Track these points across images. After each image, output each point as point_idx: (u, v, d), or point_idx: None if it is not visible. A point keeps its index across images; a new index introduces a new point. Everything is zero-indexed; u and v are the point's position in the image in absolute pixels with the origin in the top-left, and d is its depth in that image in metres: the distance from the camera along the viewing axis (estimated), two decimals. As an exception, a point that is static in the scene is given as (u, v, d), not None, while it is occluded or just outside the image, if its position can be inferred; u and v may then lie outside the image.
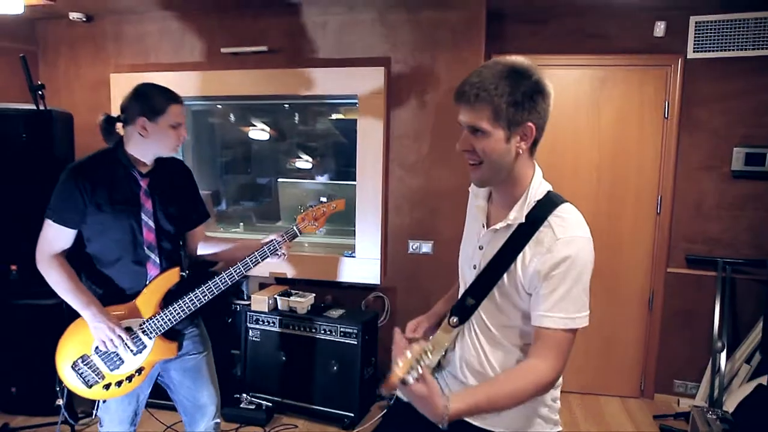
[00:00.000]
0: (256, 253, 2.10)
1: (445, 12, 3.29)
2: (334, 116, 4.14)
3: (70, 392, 2.12)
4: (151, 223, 2.05)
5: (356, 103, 3.46)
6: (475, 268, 1.45)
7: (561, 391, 1.51)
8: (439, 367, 1.56)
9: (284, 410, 3.35)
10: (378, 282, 3.50)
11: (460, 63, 3.30)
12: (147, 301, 2.04)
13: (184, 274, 2.10)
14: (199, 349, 2.22)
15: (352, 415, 3.17)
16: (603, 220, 3.54)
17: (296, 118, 4.23)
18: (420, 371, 1.15)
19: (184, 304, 2.04)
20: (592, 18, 3.39)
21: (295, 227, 2.19)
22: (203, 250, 2.31)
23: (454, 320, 1.47)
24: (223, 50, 3.60)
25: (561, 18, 3.44)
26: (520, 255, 1.33)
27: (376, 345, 3.43)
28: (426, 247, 3.47)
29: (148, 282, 2.05)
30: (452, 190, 3.36)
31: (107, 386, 2.05)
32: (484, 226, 1.46)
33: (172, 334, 2.11)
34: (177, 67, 3.71)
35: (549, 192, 1.38)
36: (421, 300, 3.46)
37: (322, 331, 3.24)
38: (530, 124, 1.30)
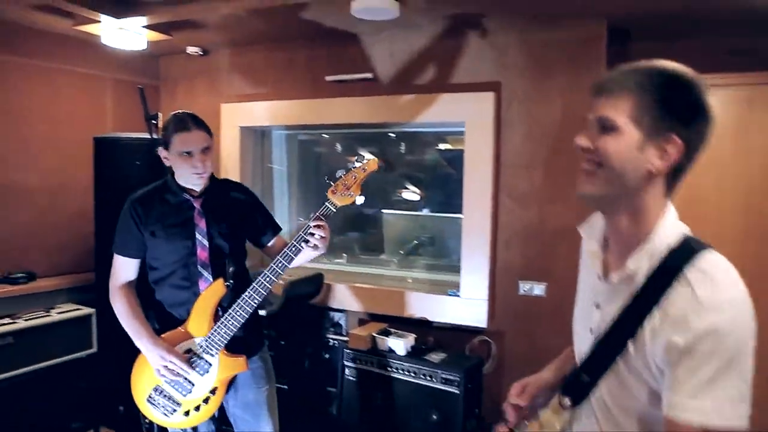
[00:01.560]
0: (293, 241, 1.99)
1: (560, 32, 3.01)
2: (442, 146, 3.98)
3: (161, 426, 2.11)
4: (205, 242, 2.06)
5: (463, 132, 3.27)
6: (591, 332, 1.16)
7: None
8: None
9: (378, 457, 3.15)
10: (484, 325, 3.22)
11: (577, 87, 3.00)
12: (199, 319, 2.02)
13: (228, 284, 2.05)
14: (261, 384, 2.16)
15: (453, 470, 2.91)
16: (753, 272, 3.03)
17: (403, 147, 4.13)
18: None
19: (236, 312, 1.98)
20: (733, 30, 2.97)
21: (327, 203, 1.99)
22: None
23: (566, 401, 1.18)
24: (327, 78, 3.58)
25: (696, 33, 3.04)
26: (649, 318, 1.01)
27: (480, 395, 3.15)
28: (539, 289, 3.15)
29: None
30: (570, 227, 3.00)
31: (186, 413, 2.03)
32: (600, 278, 1.17)
33: (238, 348, 2.05)
34: (282, 96, 3.75)
35: (686, 236, 1.06)
36: (532, 347, 3.16)
37: (422, 376, 3.02)
38: (676, 137, 1.01)
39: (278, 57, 3.77)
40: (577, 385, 1.16)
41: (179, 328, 2.05)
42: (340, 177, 2.00)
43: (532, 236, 3.16)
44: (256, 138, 4.08)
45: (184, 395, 2.03)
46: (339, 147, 4.34)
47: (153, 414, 2.06)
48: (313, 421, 3.20)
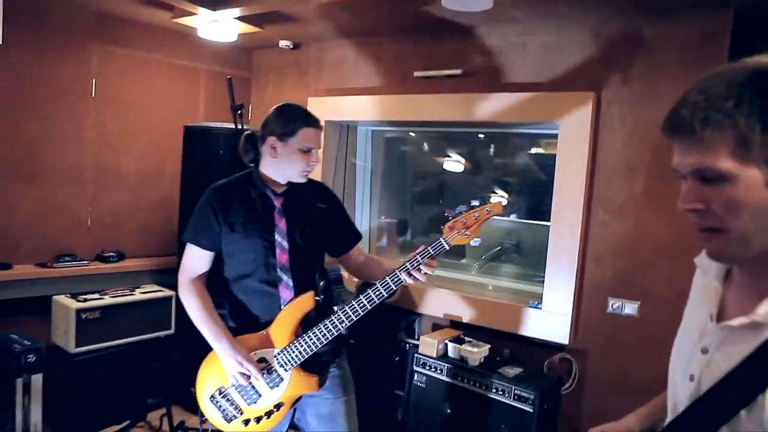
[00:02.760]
0: (398, 270, 1.84)
1: (676, 25, 2.73)
2: (534, 150, 3.79)
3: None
4: (285, 244, 1.95)
5: (554, 135, 3.07)
6: (692, 379, 0.95)
7: None
8: None
9: (442, 470, 3.02)
10: (566, 342, 3.00)
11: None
12: (281, 329, 1.92)
13: (318, 299, 1.95)
14: (338, 394, 2.04)
15: (520, 494, 2.72)
16: None
17: (492, 150, 3.98)
18: None
19: (320, 332, 1.88)
20: None
21: (442, 239, 1.83)
22: (362, 270, 2.20)
23: None
24: (416, 74, 3.50)
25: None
26: None
27: (556, 417, 2.94)
28: (630, 308, 2.89)
29: (282, 306, 1.94)
30: (670, 242, 2.76)
31: (246, 422, 1.96)
32: (712, 319, 0.95)
33: (313, 367, 1.95)
34: (370, 91, 3.71)
35: None
36: (618, 370, 2.90)
37: (494, 390, 2.85)
38: None
39: (367, 52, 3.74)
40: None
41: (260, 332, 1.96)
42: (460, 213, 1.86)
43: (626, 250, 2.91)
44: (342, 133, 4.07)
45: (249, 404, 1.96)
46: (426, 146, 4.26)
47: (212, 415, 2.01)
48: (378, 424, 3.13)
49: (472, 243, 1.88)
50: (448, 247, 1.84)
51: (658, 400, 1.24)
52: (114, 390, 3.35)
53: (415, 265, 1.83)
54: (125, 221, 3.79)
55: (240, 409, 1.97)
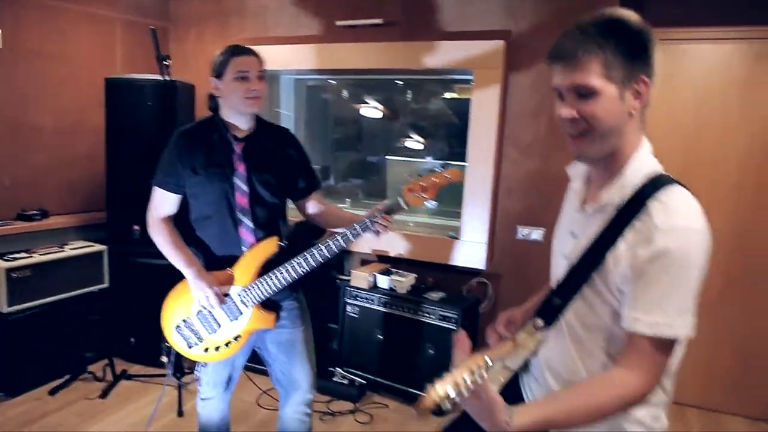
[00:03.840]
0: (356, 225, 1.97)
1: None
2: (448, 95, 3.99)
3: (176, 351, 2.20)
4: (245, 188, 2.03)
5: (471, 80, 3.29)
6: (566, 258, 1.25)
7: (678, 403, 1.28)
8: (525, 368, 1.39)
9: (376, 388, 3.31)
10: (482, 267, 3.33)
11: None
12: (245, 269, 2.03)
13: (282, 244, 2.06)
14: (297, 324, 2.19)
15: (446, 402, 3.06)
16: (747, 216, 3.10)
17: (409, 96, 4.14)
18: (470, 387, 1.00)
19: (281, 274, 2.00)
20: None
21: (400, 199, 1.97)
22: (318, 217, 2.28)
23: (539, 323, 1.29)
24: (338, 23, 3.57)
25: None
26: (615, 245, 1.11)
27: (476, 332, 3.28)
28: (536, 235, 3.24)
29: (243, 248, 2.04)
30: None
31: (206, 349, 2.09)
32: (578, 210, 1.26)
33: (271, 305, 2.09)
34: (293, 41, 3.74)
35: (657, 173, 1.15)
36: (527, 289, 3.20)
37: (421, 313, 3.14)
38: (644, 77, 1.09)
39: (289, 1, 3.75)
40: (549, 308, 1.26)
41: (226, 270, 2.05)
42: (421, 176, 1.96)
43: (533, 184, 3.23)
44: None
45: (209, 333, 2.08)
46: (346, 94, 4.35)
47: (176, 342, 2.12)
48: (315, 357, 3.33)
49: (428, 205, 2.02)
50: (405, 207, 1.98)
51: (548, 285, 1.52)
52: (52, 346, 3.34)
53: (374, 220, 1.96)
54: (46, 178, 3.66)
55: (201, 338, 2.09)
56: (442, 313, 3.08)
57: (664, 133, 3.03)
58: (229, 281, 2.04)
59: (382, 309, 3.27)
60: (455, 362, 1.08)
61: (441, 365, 3.04)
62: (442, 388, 1.00)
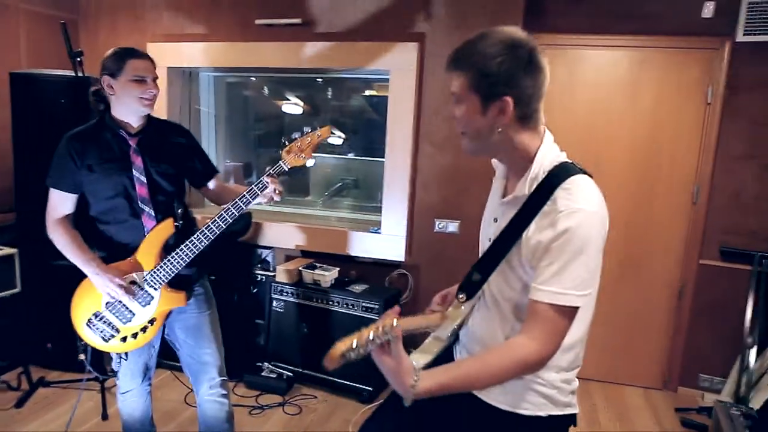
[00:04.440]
0: (245, 193, 2.07)
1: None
2: (367, 92, 4.08)
3: (95, 349, 2.18)
4: (143, 179, 2.09)
5: (388, 79, 3.39)
6: (489, 240, 1.39)
7: (581, 378, 1.45)
8: (457, 339, 1.54)
9: (304, 381, 3.36)
10: (402, 259, 3.46)
11: None
12: (146, 253, 2.08)
13: (178, 224, 2.12)
14: (202, 308, 2.25)
15: (371, 389, 3.17)
16: (634, 206, 3.41)
17: (330, 93, 4.19)
18: (373, 341, 1.13)
19: (182, 252, 2.06)
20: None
21: (281, 162, 2.09)
22: (219, 198, 2.37)
23: (462, 297, 1.42)
24: (257, 22, 3.55)
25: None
26: (527, 228, 1.26)
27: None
28: (452, 227, 3.41)
29: (147, 234, 2.10)
30: (481, 171, 3.27)
31: (124, 339, 2.12)
32: (500, 199, 1.42)
33: (179, 285, 2.14)
34: (211, 38, 3.69)
35: (563, 163, 1.29)
36: (446, 279, 3.38)
37: (345, 305, 3.23)
38: (507, 98, 1.22)
39: (205, -3, 3.69)
40: (470, 283, 1.40)
41: (128, 259, 2.08)
42: (295, 139, 2.09)
43: (448, 178, 3.38)
44: (184, 80, 4.00)
45: (124, 323, 2.11)
46: (266, 90, 4.33)
47: (90, 338, 2.12)
48: (242, 352, 3.35)
49: (307, 164, 2.14)
50: (286, 168, 2.09)
51: None
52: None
53: (261, 184, 2.06)
54: (-53, 178, 3.42)
55: (117, 328, 2.11)
56: (365, 305, 3.17)
57: (564, 128, 3.27)
58: (135, 268, 2.08)
59: (307, 303, 3.32)
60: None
61: (366, 355, 3.16)
62: (349, 340, 1.12)
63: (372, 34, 3.37)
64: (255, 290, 3.53)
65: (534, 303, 1.23)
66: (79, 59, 2.74)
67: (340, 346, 1.12)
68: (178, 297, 2.14)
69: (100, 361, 2.99)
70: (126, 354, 2.18)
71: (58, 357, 3.43)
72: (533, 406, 1.36)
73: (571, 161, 1.31)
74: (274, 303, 3.41)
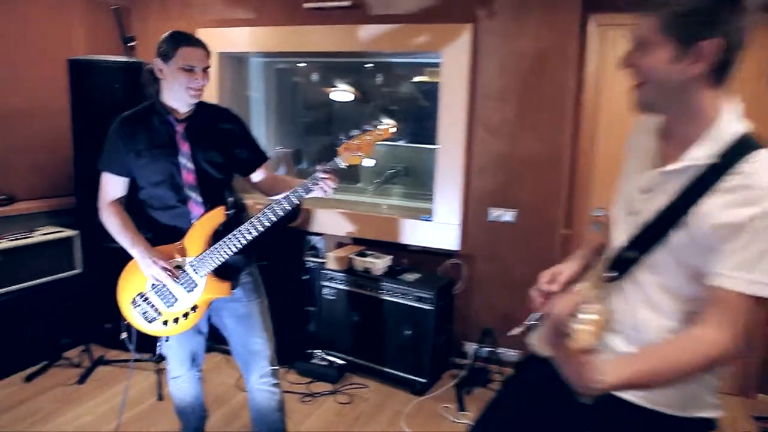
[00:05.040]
0: (298, 187, 1.97)
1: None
2: (418, 78, 3.93)
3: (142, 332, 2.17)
4: (190, 165, 2.04)
5: (440, 64, 3.23)
6: (633, 214, 1.22)
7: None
8: None
9: (355, 370, 3.28)
10: (455, 248, 3.31)
11: (551, 23, 2.97)
12: (194, 240, 2.04)
13: (229, 213, 2.06)
14: (251, 297, 2.19)
15: (424, 380, 3.05)
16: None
17: (379, 79, 4.06)
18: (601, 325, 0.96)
19: (230, 242, 2.00)
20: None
21: (336, 159, 1.96)
22: (267, 188, 2.28)
23: (611, 274, 1.23)
24: (305, 5, 3.45)
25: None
26: (701, 204, 1.08)
27: (451, 312, 3.29)
28: (508, 216, 3.23)
29: (193, 222, 2.05)
30: (538, 158, 3.10)
31: (165, 322, 2.09)
32: (652, 168, 1.22)
33: (225, 274, 2.08)
34: (259, 23, 3.61)
35: (744, 134, 1.11)
36: (500, 269, 3.28)
37: (397, 294, 3.12)
38: (707, 42, 1.04)
39: (256, -19, 3.61)
40: (622, 260, 1.22)
41: (176, 243, 2.05)
42: (354, 135, 1.96)
43: (503, 165, 3.21)
44: (234, 65, 3.95)
45: (167, 306, 2.08)
46: (315, 77, 4.24)
47: (134, 318, 2.11)
48: (292, 339, 3.29)
49: (364, 163, 1.99)
50: (342, 165, 1.97)
51: (591, 246, 1.48)
52: (26, 332, 3.22)
53: (315, 180, 1.95)
54: (12, 163, 3.46)
55: (159, 311, 2.08)
56: (417, 294, 3.06)
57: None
58: (182, 253, 2.05)
59: (358, 291, 3.23)
60: (554, 312, 1.00)
61: (419, 345, 3.07)
62: (587, 335, 0.95)
63: (423, 15, 3.22)
64: (305, 277, 3.47)
65: (720, 291, 1.05)
66: (131, 44, 2.71)
67: (585, 337, 0.94)
68: (223, 287, 2.08)
69: (150, 342, 2.99)
70: (167, 338, 2.17)
71: (117, 337, 3.45)
72: (693, 409, 1.20)
73: (755, 133, 1.12)
74: (325, 290, 3.33)
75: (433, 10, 3.20)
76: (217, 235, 2.04)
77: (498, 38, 3.11)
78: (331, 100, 4.19)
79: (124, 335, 2.78)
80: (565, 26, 2.95)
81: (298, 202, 1.97)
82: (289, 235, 3.53)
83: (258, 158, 2.24)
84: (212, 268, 2.04)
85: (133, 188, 2.11)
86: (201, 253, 2.03)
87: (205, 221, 2.04)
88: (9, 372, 3.17)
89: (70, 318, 3.41)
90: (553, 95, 3.03)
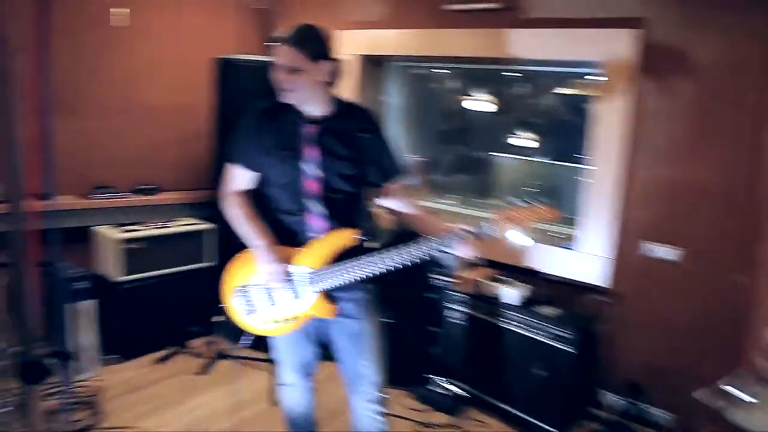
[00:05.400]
0: (434, 242, 1.78)
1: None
2: (565, 90, 3.56)
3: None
4: (315, 173, 1.86)
5: (594, 75, 2.85)
6: None
7: None
8: None
9: (477, 404, 2.98)
10: (603, 283, 2.90)
11: (737, 29, 2.49)
12: (315, 252, 1.89)
13: (360, 238, 1.88)
14: (364, 315, 1.99)
15: (555, 431, 2.69)
16: None
17: (521, 90, 3.75)
18: None
19: (354, 269, 1.83)
20: None
21: (488, 227, 1.79)
22: (396, 212, 2.04)
23: None
24: (449, 7, 3.22)
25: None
26: None
27: (595, 357, 2.89)
28: (670, 254, 2.74)
29: (311, 234, 1.89)
30: (713, 188, 2.60)
31: (260, 321, 1.98)
32: None
33: (334, 296, 1.93)
34: (401, 25, 3.47)
35: None
36: (655, 314, 2.80)
37: (531, 329, 2.78)
38: None
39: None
40: None
41: (296, 248, 1.91)
42: (517, 206, 1.80)
43: (667, 195, 2.76)
44: (372, 68, 3.84)
45: (266, 307, 1.96)
46: (453, 85, 4.01)
47: (234, 307, 2.02)
48: (412, 359, 3.08)
49: (519, 241, 1.82)
50: (494, 235, 1.80)
51: None
52: (161, 317, 3.33)
53: (457, 241, 1.77)
54: (158, 155, 3.64)
55: (257, 309, 1.98)
56: (556, 332, 2.70)
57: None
58: (299, 261, 1.90)
59: (488, 318, 2.94)
60: None
61: (554, 389, 2.68)
62: None
63: (584, 20, 2.85)
64: (430, 295, 3.24)
65: None
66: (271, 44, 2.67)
67: None
68: (329, 308, 1.93)
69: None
70: (252, 336, 2.12)
71: (243, 332, 3.50)
72: None
73: None
74: (450, 313, 3.08)
75: (596, 15, 2.83)
76: (342, 255, 1.88)
77: (670, 47, 2.67)
78: (466, 108, 3.94)
79: (217, 318, 2.76)
80: (759, 32, 2.45)
81: (427, 257, 1.80)
82: (385, 250, 3.32)
83: (390, 171, 1.99)
84: (326, 288, 1.89)
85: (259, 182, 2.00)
86: (319, 269, 1.88)
87: (332, 239, 1.88)
88: (140, 353, 3.29)
89: (201, 308, 3.45)
90: (739, 115, 2.54)
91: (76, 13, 3.12)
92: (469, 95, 3.93)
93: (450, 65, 3.83)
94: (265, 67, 3.14)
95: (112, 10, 3.28)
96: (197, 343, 3.46)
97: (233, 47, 3.82)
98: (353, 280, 1.86)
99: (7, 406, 1.93)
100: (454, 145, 4.20)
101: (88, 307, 2.98)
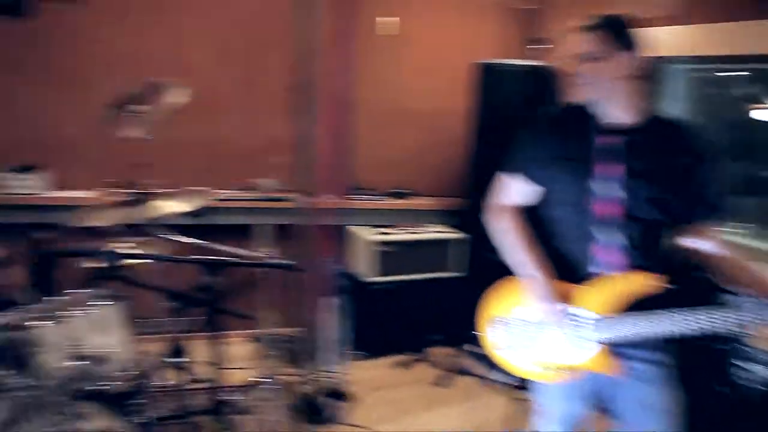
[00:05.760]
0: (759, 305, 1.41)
1: None
2: None
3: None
4: (613, 194, 1.51)
5: None
6: None
7: None
8: None
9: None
10: None
11: None
12: (604, 295, 1.55)
13: (672, 288, 1.50)
14: (658, 383, 1.61)
15: None
16: None
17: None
18: None
19: (655, 323, 1.47)
20: None
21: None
22: (700, 256, 1.61)
23: None
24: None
25: None
26: None
27: None
28: None
29: (597, 268, 1.56)
30: None
31: (514, 360, 1.72)
32: None
33: (621, 351, 1.57)
34: (688, 21, 3.00)
35: None
36: None
37: None
38: None
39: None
40: None
41: (577, 286, 1.60)
42: None
43: None
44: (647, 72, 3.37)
45: (526, 346, 1.69)
46: (740, 89, 3.33)
47: (489, 337, 1.78)
48: (697, 423, 2.57)
49: None
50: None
51: None
52: (405, 321, 3.38)
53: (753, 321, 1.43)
54: (416, 160, 3.69)
55: (512, 345, 1.72)
56: None
57: None
58: (581, 302, 1.58)
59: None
60: None
61: None
62: None
63: None
64: (719, 347, 2.68)
65: None
66: (536, 47, 2.43)
67: None
68: (612, 365, 1.58)
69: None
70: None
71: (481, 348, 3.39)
72: None
73: None
74: (739, 371, 2.49)
75: None
76: (639, 304, 1.52)
77: None
78: (754, 119, 3.23)
79: (468, 347, 2.57)
80: None
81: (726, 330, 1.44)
82: (695, 283, 2.78)
83: (701, 209, 1.57)
84: (611, 341, 1.55)
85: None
86: (609, 316, 1.55)
87: (630, 282, 1.53)
88: (382, 353, 3.37)
89: (448, 317, 3.41)
90: None
91: (349, 21, 3.26)
92: (759, 103, 3.19)
93: (741, 66, 3.21)
94: (526, 72, 3.00)
95: (379, 19, 3.39)
96: (436, 351, 3.42)
97: (494, 52, 3.70)
98: (657, 335, 1.50)
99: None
100: (738, 161, 3.49)
101: (343, 303, 3.08)
